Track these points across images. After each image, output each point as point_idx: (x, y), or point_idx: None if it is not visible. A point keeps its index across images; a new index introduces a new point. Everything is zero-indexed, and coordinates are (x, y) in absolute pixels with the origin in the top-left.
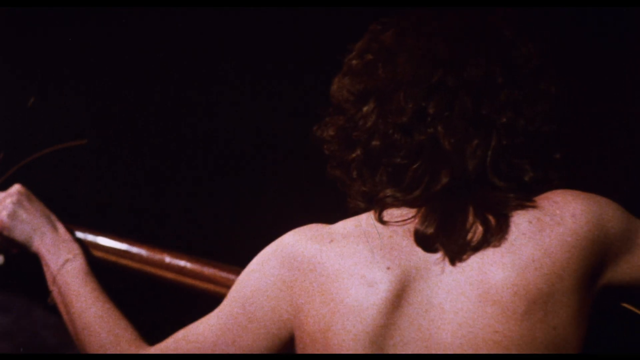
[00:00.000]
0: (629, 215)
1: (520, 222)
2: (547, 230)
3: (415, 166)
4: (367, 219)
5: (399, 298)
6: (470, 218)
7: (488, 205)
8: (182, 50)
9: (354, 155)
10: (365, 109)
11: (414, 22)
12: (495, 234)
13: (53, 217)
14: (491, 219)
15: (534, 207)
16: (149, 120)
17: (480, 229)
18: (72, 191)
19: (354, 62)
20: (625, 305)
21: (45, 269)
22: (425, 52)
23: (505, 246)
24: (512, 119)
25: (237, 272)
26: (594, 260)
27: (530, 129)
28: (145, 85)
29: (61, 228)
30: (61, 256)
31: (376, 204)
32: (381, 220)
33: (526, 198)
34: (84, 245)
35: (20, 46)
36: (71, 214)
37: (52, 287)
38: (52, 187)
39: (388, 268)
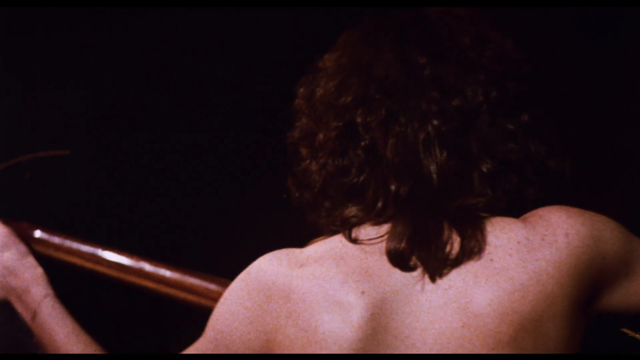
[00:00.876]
0: (629, 235)
1: (508, 241)
2: (537, 250)
3: (362, 179)
4: (338, 241)
5: (375, 323)
6: (445, 230)
7: (462, 214)
8: (179, 52)
9: (314, 166)
10: (315, 144)
11: (384, 28)
12: (474, 245)
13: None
14: (468, 229)
15: (524, 224)
16: (135, 125)
17: (457, 239)
18: (49, 196)
19: (320, 63)
20: (625, 330)
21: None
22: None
23: (490, 267)
24: (440, 103)
25: (219, 283)
26: (589, 285)
27: (467, 110)
28: (130, 91)
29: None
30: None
31: (343, 224)
32: (353, 240)
33: (515, 215)
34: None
35: (20, 46)
36: (46, 219)
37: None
38: (29, 192)
39: (363, 292)
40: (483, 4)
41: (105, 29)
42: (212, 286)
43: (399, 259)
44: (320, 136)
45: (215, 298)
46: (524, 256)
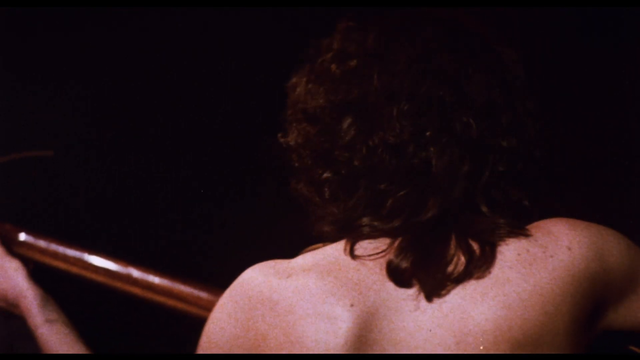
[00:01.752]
0: (636, 249)
1: (508, 253)
2: (538, 264)
3: (401, 193)
4: (333, 250)
5: (363, 337)
6: (452, 248)
7: (473, 232)
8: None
9: (329, 173)
10: (346, 121)
11: (402, 25)
12: (480, 265)
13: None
14: (476, 248)
15: (525, 236)
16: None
17: (462, 259)
18: (37, 197)
19: (332, 66)
20: (633, 348)
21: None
22: (425, 62)
23: (488, 280)
24: (513, 143)
25: (210, 291)
26: (592, 300)
27: (528, 153)
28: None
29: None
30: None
31: (350, 234)
32: (352, 254)
33: (516, 226)
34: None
35: (19, 46)
36: (30, 221)
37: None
38: (16, 193)
39: (352, 305)
40: (483, 4)
41: (104, 29)
42: (203, 294)
43: (398, 275)
44: (356, 123)
45: (205, 307)
46: (523, 270)
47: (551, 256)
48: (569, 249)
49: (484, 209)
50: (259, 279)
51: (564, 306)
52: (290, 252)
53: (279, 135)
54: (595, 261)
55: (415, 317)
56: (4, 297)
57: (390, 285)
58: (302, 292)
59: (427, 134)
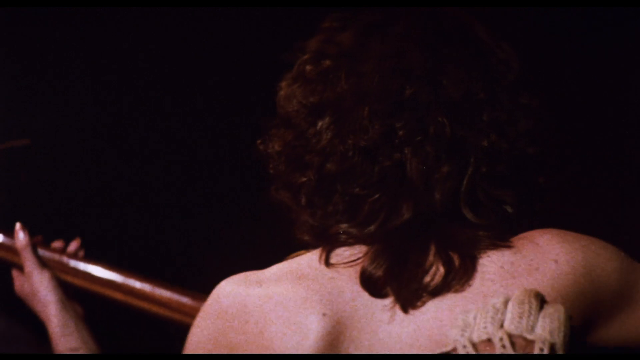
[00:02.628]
0: (630, 263)
1: (490, 265)
2: (522, 277)
3: (374, 197)
4: (309, 258)
5: (335, 348)
6: (431, 257)
7: (454, 242)
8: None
9: (303, 179)
10: (319, 124)
11: (379, 22)
12: (459, 277)
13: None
14: (455, 259)
15: (509, 248)
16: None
17: (441, 270)
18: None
19: (307, 67)
20: None
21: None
22: (396, 59)
23: (468, 293)
24: (494, 142)
25: (193, 297)
26: (580, 317)
27: (514, 153)
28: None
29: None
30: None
31: (326, 241)
32: (327, 262)
33: (501, 237)
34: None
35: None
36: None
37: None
38: None
39: (324, 314)
40: (483, 4)
41: (104, 28)
42: (185, 300)
43: (371, 285)
44: (332, 125)
45: (188, 313)
46: (506, 282)
47: (536, 269)
48: (556, 262)
49: (469, 215)
50: (231, 290)
51: None
52: (275, 258)
53: (258, 142)
54: (584, 276)
55: (390, 329)
56: (32, 307)
57: (366, 295)
58: (272, 300)
59: (400, 134)
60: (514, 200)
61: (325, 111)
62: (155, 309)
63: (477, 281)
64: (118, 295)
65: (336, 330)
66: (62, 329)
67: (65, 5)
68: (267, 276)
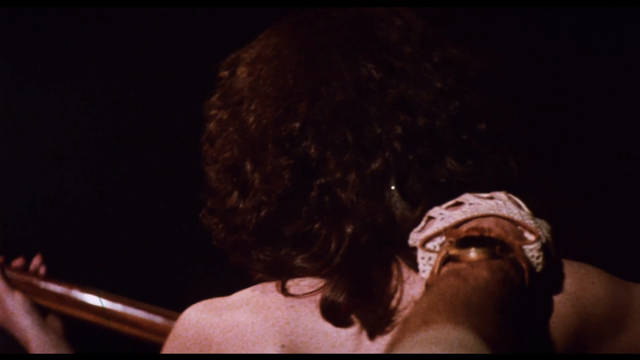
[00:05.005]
0: (618, 286)
1: None
2: None
3: (317, 226)
4: (270, 286)
5: None
6: (394, 280)
7: (415, 263)
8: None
9: (245, 237)
10: (247, 167)
11: (253, 58)
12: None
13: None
14: (419, 281)
15: None
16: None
17: (407, 292)
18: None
19: (210, 126)
20: None
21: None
22: (277, 83)
23: None
24: (405, 123)
25: (164, 315)
26: (565, 343)
27: (434, 128)
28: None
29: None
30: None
31: (283, 275)
32: (284, 292)
33: None
34: None
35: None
36: None
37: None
38: None
39: (282, 346)
40: (484, 4)
41: (103, 28)
42: (158, 319)
43: (333, 313)
44: (255, 171)
45: (161, 332)
46: None
47: None
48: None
49: (417, 211)
50: (196, 319)
51: None
52: (246, 276)
53: (200, 216)
54: (569, 302)
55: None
56: (8, 331)
57: (327, 325)
58: (233, 331)
59: (312, 157)
60: (466, 178)
61: (243, 163)
62: (127, 329)
63: None
64: (90, 317)
65: None
66: (42, 351)
67: (65, 5)
68: (229, 304)
